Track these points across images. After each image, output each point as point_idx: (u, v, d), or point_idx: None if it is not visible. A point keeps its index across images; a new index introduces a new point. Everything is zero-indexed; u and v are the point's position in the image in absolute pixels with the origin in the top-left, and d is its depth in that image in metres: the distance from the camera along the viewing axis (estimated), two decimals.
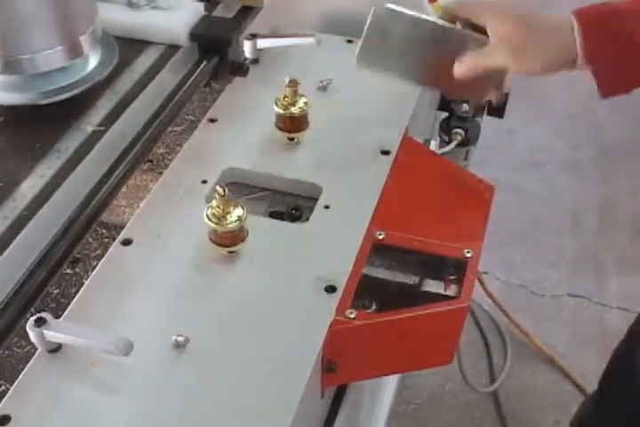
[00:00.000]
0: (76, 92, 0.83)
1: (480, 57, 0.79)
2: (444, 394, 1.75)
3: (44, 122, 0.83)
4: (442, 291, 0.77)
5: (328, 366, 0.72)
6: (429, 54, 0.81)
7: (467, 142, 1.03)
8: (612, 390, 1.17)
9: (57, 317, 0.67)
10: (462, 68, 0.80)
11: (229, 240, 0.74)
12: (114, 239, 0.77)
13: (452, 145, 1.02)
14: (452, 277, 0.77)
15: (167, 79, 0.92)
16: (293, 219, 0.82)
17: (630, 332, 1.12)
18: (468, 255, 0.76)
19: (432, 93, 1.05)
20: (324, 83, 0.98)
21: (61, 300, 0.76)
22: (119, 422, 0.62)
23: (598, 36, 0.76)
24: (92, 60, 0.86)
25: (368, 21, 0.79)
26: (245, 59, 0.99)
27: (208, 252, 0.75)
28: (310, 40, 0.94)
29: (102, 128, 0.82)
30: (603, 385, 1.21)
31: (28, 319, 0.64)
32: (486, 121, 1.10)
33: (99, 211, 0.76)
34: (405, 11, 0.78)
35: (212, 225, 0.72)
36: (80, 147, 0.80)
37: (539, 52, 0.77)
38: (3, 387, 0.67)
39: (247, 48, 0.97)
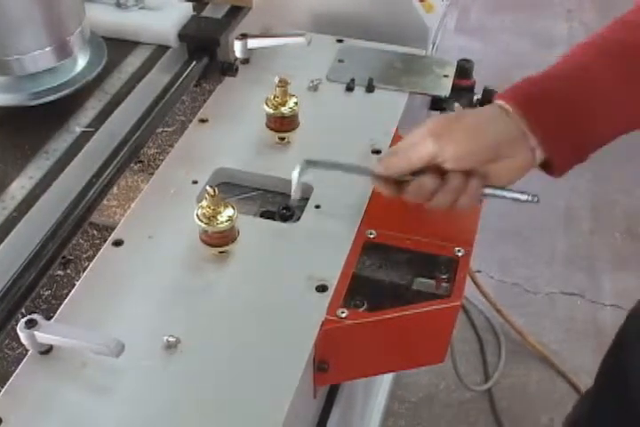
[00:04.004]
0: (64, 93, 0.83)
1: (401, 151, 0.73)
2: (439, 393, 1.76)
3: (32, 123, 0.82)
4: (433, 290, 0.77)
5: (320, 365, 0.72)
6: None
7: None
8: (606, 390, 1.17)
9: (48, 318, 0.67)
10: (382, 164, 0.74)
11: (220, 240, 0.74)
12: (105, 240, 0.77)
13: None
14: (444, 276, 0.77)
15: (156, 80, 0.92)
16: (284, 219, 0.82)
17: (619, 333, 1.12)
18: (459, 254, 0.77)
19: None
20: (315, 82, 0.98)
21: (53, 301, 0.75)
22: (111, 424, 0.62)
23: (532, 103, 0.71)
24: (81, 61, 0.86)
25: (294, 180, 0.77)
26: (236, 59, 0.99)
27: (199, 252, 0.75)
28: (300, 40, 0.94)
29: (92, 129, 0.82)
30: (597, 386, 1.22)
31: (18, 321, 0.64)
32: None
33: (88, 212, 0.76)
34: (324, 161, 0.77)
35: (203, 225, 0.72)
36: (69, 148, 0.80)
37: (464, 133, 0.71)
38: None
39: (237, 48, 0.97)
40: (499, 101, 0.72)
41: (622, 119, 0.73)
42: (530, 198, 0.74)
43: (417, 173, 0.73)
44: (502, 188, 0.74)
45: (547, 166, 0.73)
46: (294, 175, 0.76)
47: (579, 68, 0.73)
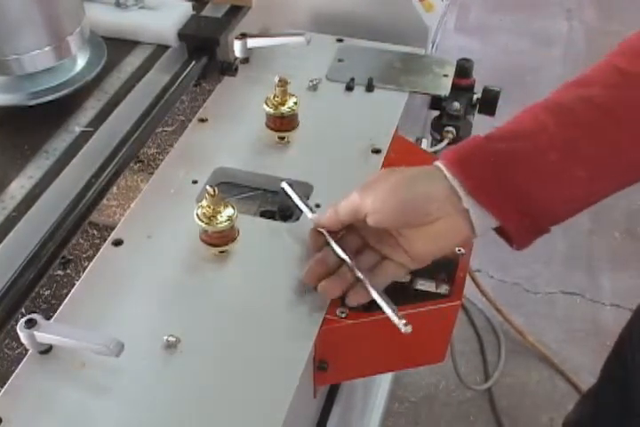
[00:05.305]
0: (64, 92, 0.83)
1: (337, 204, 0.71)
2: (439, 392, 1.76)
3: (32, 123, 0.82)
4: (433, 289, 0.77)
5: (319, 365, 0.72)
6: None
7: (458, 141, 1.03)
8: (609, 390, 1.17)
9: (48, 318, 0.66)
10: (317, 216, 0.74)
11: (220, 240, 0.74)
12: (105, 240, 0.77)
13: (444, 143, 1.02)
14: (443, 276, 0.77)
15: (156, 79, 0.92)
16: (284, 218, 0.82)
17: (623, 332, 1.12)
18: (459, 253, 0.77)
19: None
20: (314, 82, 0.98)
21: (52, 301, 0.75)
22: (110, 424, 0.62)
23: (470, 163, 0.65)
24: (80, 61, 0.86)
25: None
26: (235, 58, 0.99)
27: (199, 252, 0.75)
28: (300, 39, 0.94)
29: (91, 129, 0.82)
30: (599, 386, 1.22)
31: (17, 321, 0.64)
32: (478, 119, 1.10)
33: (88, 211, 0.76)
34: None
35: (203, 225, 0.72)
36: (69, 147, 0.80)
37: (387, 186, 0.67)
38: None
39: (237, 47, 0.97)
40: (436, 162, 0.68)
41: (575, 185, 0.65)
42: (405, 329, 0.65)
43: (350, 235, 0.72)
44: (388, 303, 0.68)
45: (504, 234, 0.69)
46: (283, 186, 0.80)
47: (524, 128, 0.67)
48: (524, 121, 0.68)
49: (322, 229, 0.73)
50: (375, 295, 0.68)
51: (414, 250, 0.69)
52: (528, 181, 0.64)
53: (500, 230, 0.68)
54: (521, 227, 0.66)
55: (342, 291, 0.70)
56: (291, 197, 0.79)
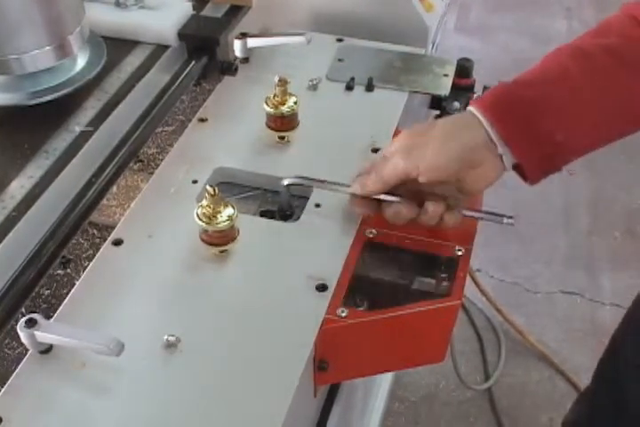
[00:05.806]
0: (64, 92, 0.83)
1: (375, 170, 0.74)
2: (439, 392, 1.76)
3: (32, 122, 0.82)
4: (433, 289, 0.77)
5: (320, 364, 0.72)
6: None
7: None
8: (603, 391, 1.17)
9: (48, 318, 0.66)
10: (357, 184, 0.75)
11: (220, 240, 0.74)
12: (105, 240, 0.77)
13: None
14: (444, 275, 0.77)
15: (156, 79, 0.92)
16: (284, 218, 0.82)
17: (615, 334, 1.13)
18: (459, 253, 0.77)
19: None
20: (314, 81, 0.98)
21: (53, 301, 0.75)
22: (110, 423, 0.62)
23: (503, 110, 0.70)
24: (80, 61, 0.86)
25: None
26: (235, 58, 0.99)
27: (199, 251, 0.75)
28: (300, 39, 0.94)
29: (91, 128, 0.82)
30: (594, 386, 1.22)
31: (18, 320, 0.64)
32: None
33: (88, 211, 0.76)
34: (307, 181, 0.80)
35: (203, 225, 0.72)
36: (69, 147, 0.80)
37: (433, 146, 0.70)
38: None
39: (237, 47, 0.97)
40: (470, 107, 0.71)
41: (595, 128, 0.71)
42: (508, 221, 0.76)
43: (396, 188, 0.74)
44: (481, 210, 0.76)
45: (520, 172, 0.73)
46: (283, 184, 0.79)
47: (550, 73, 0.72)
48: (549, 66, 0.73)
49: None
50: (469, 212, 0.75)
51: (465, 189, 0.73)
52: (552, 125, 0.69)
53: (516, 167, 0.72)
54: (539, 168, 0.71)
55: (435, 222, 0.74)
56: (300, 186, 0.80)
